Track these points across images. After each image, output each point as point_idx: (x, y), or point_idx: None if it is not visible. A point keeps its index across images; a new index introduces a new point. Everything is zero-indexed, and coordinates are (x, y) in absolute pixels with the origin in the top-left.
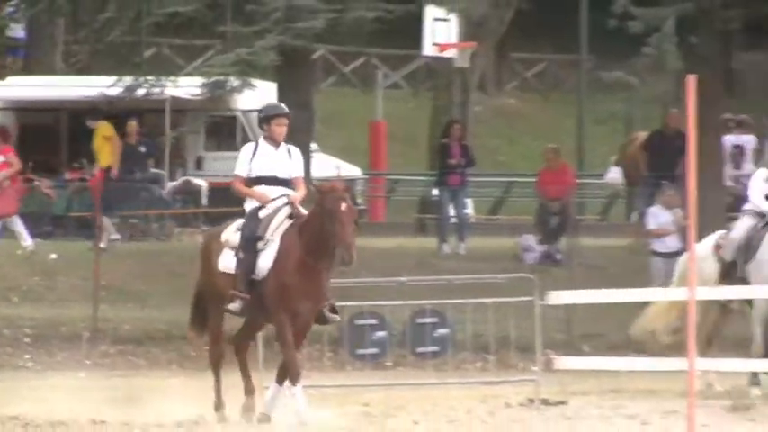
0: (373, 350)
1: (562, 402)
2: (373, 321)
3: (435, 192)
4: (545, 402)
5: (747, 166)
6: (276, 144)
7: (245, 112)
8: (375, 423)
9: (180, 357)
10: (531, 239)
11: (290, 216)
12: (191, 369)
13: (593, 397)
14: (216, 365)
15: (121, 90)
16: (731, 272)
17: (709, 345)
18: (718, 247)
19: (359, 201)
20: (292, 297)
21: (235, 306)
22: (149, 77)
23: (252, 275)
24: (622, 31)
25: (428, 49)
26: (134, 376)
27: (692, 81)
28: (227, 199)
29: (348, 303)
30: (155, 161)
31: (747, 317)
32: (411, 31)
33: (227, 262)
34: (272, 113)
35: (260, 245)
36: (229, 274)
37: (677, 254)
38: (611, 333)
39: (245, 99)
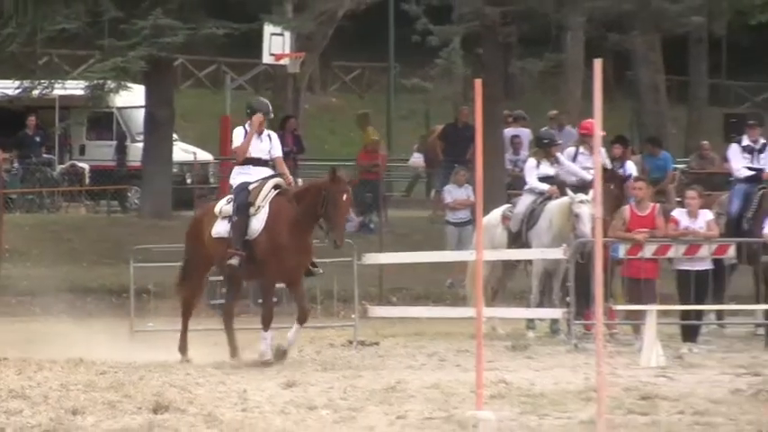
0: (223, 301)
1: (375, 343)
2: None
3: None
4: (362, 343)
5: (524, 153)
6: (258, 132)
7: (119, 108)
8: (226, 358)
9: (68, 307)
10: (350, 212)
11: (276, 186)
12: (77, 317)
13: (401, 339)
14: (187, 316)
15: (21, 91)
16: (518, 237)
17: (495, 296)
18: (505, 218)
19: (211, 180)
20: (284, 252)
21: (234, 261)
22: (43, 81)
23: (245, 236)
24: (423, 43)
25: (267, 58)
26: (31, 322)
27: (478, 84)
28: (105, 179)
29: None
30: (47, 148)
31: (528, 274)
32: (253, 43)
33: (220, 229)
34: (255, 111)
35: (251, 210)
36: (222, 239)
37: (467, 224)
38: (415, 287)
39: (119, 98)
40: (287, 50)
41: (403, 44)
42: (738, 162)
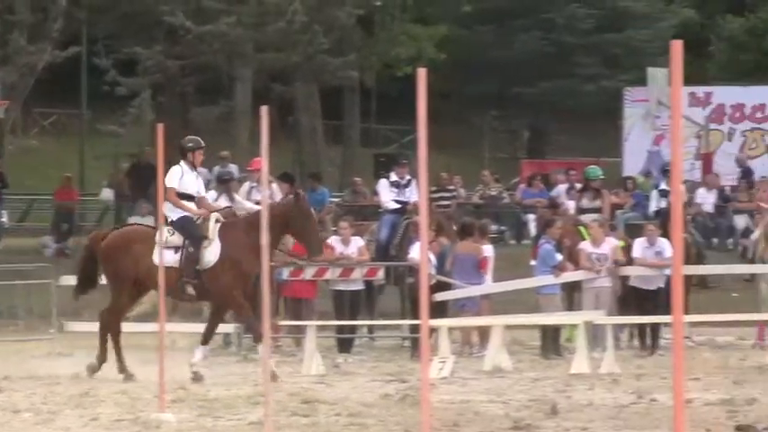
0: None
1: (70, 354)
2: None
3: None
4: (59, 354)
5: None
6: (194, 168)
7: None
8: None
9: None
10: (48, 239)
11: (216, 221)
12: None
13: (93, 351)
14: (106, 335)
15: None
16: None
17: (174, 312)
18: None
19: None
20: (244, 277)
21: (190, 290)
22: None
23: (196, 266)
24: (113, 92)
25: None
26: None
27: (160, 128)
28: None
29: None
30: None
31: None
32: None
33: (168, 258)
34: (196, 146)
35: (204, 243)
36: (169, 268)
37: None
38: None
39: None
40: None
41: (96, 93)
42: (387, 195)
